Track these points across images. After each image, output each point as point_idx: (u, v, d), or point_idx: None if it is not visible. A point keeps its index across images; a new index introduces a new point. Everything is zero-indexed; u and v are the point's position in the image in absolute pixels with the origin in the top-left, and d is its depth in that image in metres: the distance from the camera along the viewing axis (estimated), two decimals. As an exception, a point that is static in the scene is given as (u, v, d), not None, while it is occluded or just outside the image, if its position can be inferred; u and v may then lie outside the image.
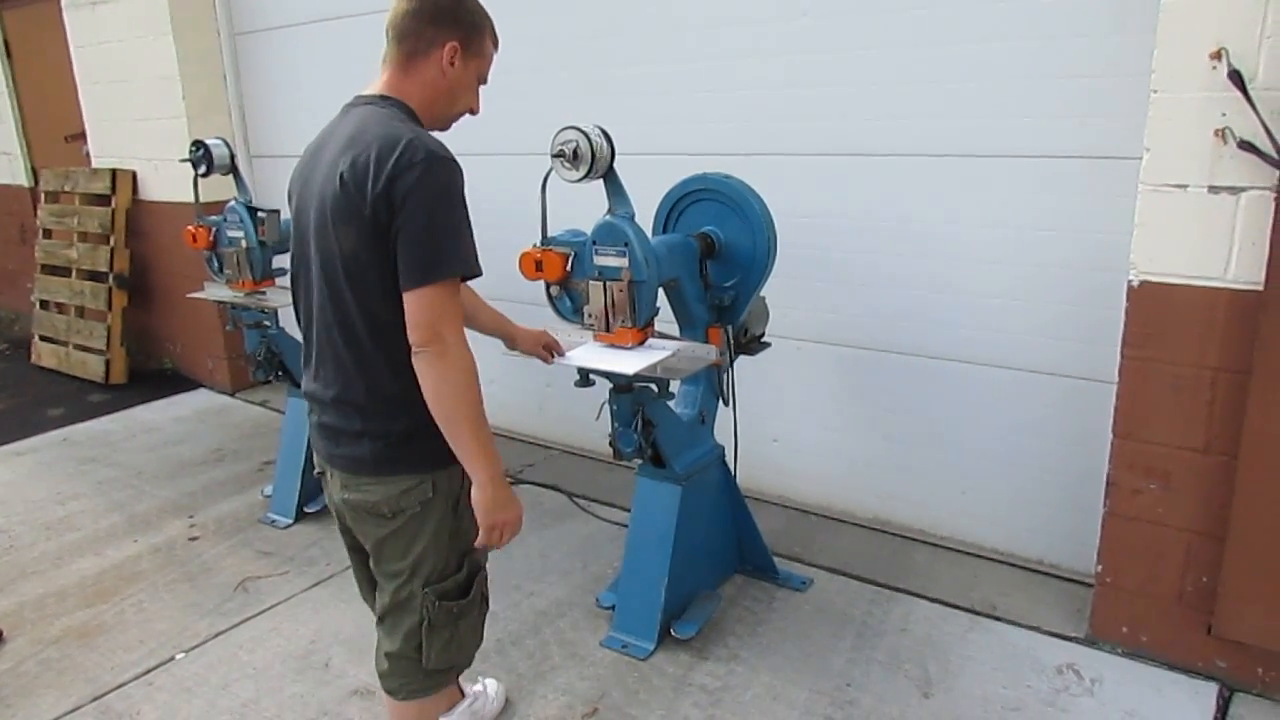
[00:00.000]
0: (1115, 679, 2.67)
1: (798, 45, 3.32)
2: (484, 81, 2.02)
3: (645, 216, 2.68)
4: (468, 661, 2.17)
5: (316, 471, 2.09)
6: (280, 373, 3.82)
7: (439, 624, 2.00)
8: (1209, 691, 2.60)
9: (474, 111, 2.03)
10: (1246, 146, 2.25)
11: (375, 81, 1.95)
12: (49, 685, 2.87)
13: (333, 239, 1.80)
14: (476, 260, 1.80)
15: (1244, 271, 2.33)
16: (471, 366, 1.79)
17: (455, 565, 2.00)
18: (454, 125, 2.03)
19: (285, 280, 3.79)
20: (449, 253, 1.74)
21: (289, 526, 3.82)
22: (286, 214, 3.67)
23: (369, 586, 2.15)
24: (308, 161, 1.95)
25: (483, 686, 2.60)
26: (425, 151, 1.73)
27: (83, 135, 6.23)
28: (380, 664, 2.09)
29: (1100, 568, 2.77)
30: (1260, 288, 2.30)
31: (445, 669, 2.10)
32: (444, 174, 1.74)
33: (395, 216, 1.72)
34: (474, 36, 1.94)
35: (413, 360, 1.77)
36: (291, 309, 2.08)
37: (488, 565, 2.12)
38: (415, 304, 1.73)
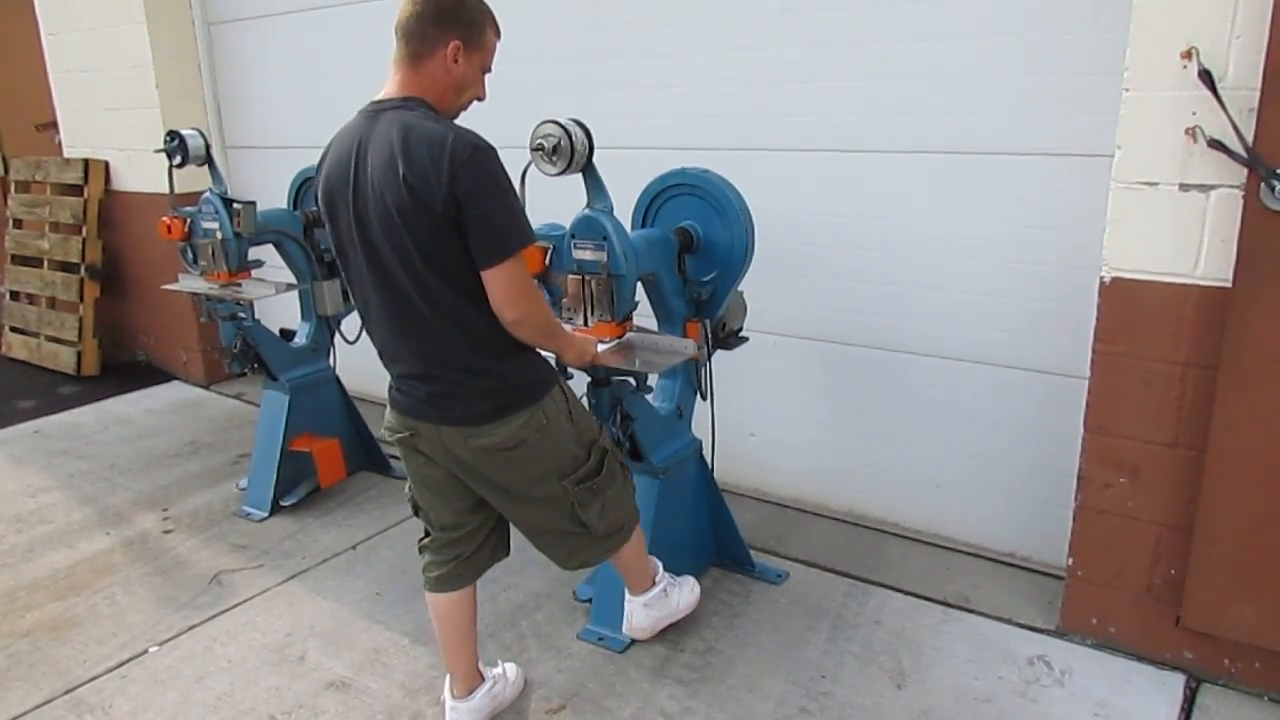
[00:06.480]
0: (1085, 670, 2.71)
1: (777, 40, 3.33)
2: (488, 70, 2.17)
3: (624, 211, 2.69)
4: (633, 516, 2.53)
5: (399, 435, 2.27)
6: (255, 365, 3.79)
7: (585, 501, 2.33)
8: (1176, 682, 2.64)
9: (481, 98, 2.19)
10: (1216, 145, 2.28)
11: (390, 81, 2.08)
12: (20, 678, 2.84)
13: (406, 238, 1.98)
14: (531, 230, 2.07)
15: (1213, 268, 2.37)
16: (548, 306, 2.27)
17: (584, 456, 2.33)
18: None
19: (260, 272, 3.82)
20: (513, 232, 2.00)
21: (264, 520, 3.80)
22: (266, 206, 3.70)
23: (462, 516, 2.39)
24: (343, 168, 2.06)
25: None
26: (472, 147, 1.93)
27: (54, 124, 6.14)
28: (561, 555, 2.45)
29: (1071, 560, 2.80)
30: (1229, 284, 2.33)
31: (616, 529, 2.45)
32: (491, 162, 1.95)
33: (462, 209, 1.93)
34: (475, 32, 2.08)
35: (510, 330, 2.07)
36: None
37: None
38: (496, 282, 2.00)
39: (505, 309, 2.02)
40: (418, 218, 1.95)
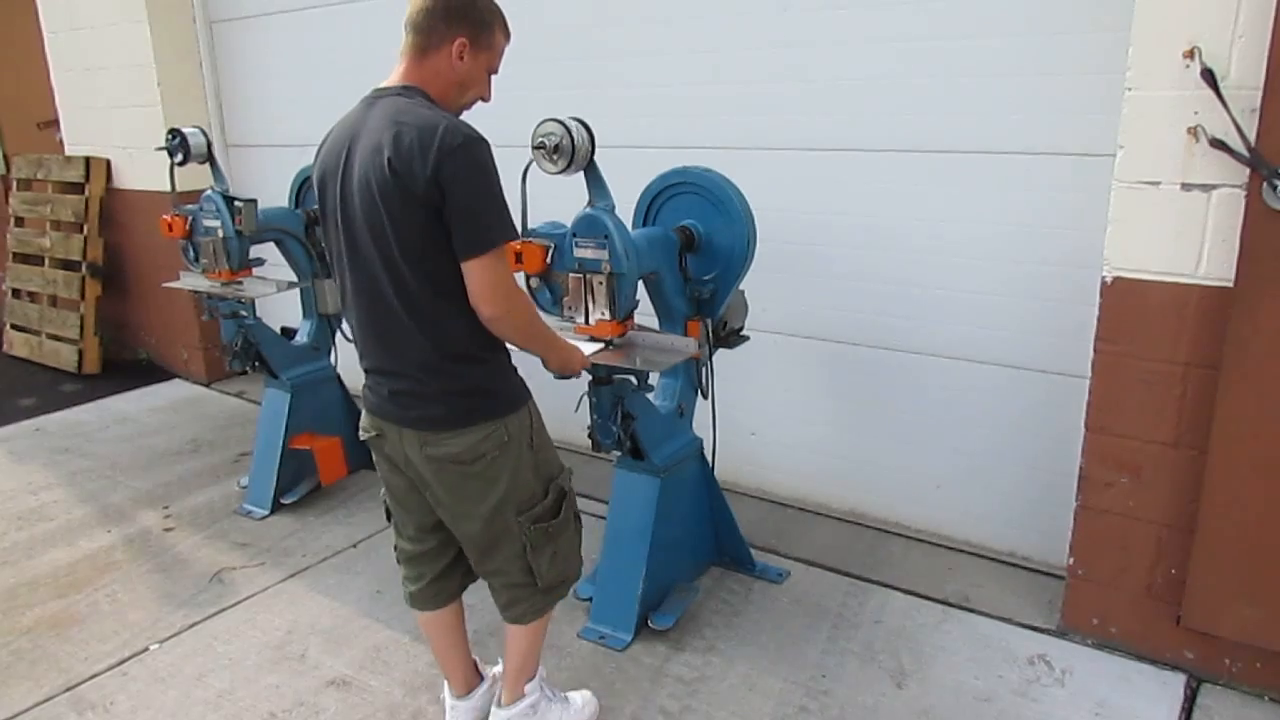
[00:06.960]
0: (1085, 669, 2.71)
1: (780, 39, 3.33)
2: (495, 72, 2.14)
3: (625, 209, 2.69)
4: (577, 572, 2.40)
5: (368, 435, 2.22)
6: (257, 363, 3.79)
7: (539, 544, 2.23)
8: (1177, 682, 2.64)
9: (485, 99, 2.16)
10: (1218, 145, 2.28)
11: (394, 72, 2.07)
12: (22, 675, 2.84)
13: (385, 222, 1.94)
14: (514, 226, 2.01)
15: (1215, 268, 2.37)
16: (531, 305, 2.19)
17: (541, 493, 2.22)
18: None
19: (262, 270, 3.82)
20: (496, 225, 1.94)
21: (265, 517, 3.81)
22: (267, 204, 3.70)
23: (424, 534, 2.33)
24: (336, 153, 2.04)
25: (503, 668, 2.62)
26: (462, 136, 1.89)
27: (56, 122, 6.14)
28: (501, 600, 2.33)
29: (1072, 560, 2.80)
30: (1230, 284, 2.33)
31: (558, 583, 2.34)
32: (481, 154, 1.91)
33: (446, 197, 1.89)
34: (483, 32, 2.06)
35: (488, 327, 2.00)
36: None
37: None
38: (476, 274, 1.94)
39: (483, 304, 1.96)
40: (399, 203, 1.90)
